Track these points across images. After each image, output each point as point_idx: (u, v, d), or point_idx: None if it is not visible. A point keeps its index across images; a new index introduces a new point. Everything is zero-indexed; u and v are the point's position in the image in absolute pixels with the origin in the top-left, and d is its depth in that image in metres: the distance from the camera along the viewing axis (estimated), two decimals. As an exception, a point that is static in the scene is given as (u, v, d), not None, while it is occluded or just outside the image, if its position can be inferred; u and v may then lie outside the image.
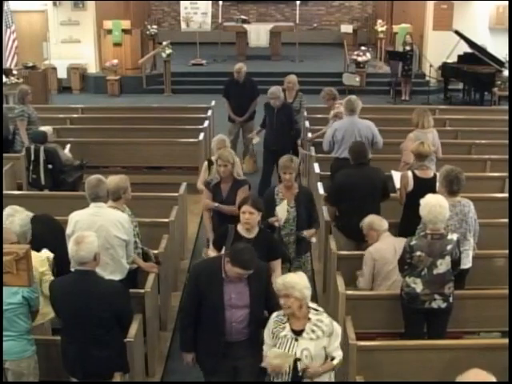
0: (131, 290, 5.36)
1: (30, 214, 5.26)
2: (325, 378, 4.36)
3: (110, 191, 5.59)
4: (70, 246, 4.55)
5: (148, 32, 18.77)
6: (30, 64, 15.43)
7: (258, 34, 19.20)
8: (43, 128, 8.81)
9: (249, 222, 5.19)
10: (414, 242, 5.27)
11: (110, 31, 16.82)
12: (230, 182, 6.32)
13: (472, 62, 15.20)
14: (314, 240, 6.27)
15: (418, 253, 5.21)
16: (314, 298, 6.29)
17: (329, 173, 7.94)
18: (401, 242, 5.54)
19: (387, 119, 10.61)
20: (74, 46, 17.18)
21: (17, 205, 5.27)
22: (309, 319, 4.29)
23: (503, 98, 14.67)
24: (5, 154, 8.86)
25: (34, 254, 3.98)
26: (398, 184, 6.93)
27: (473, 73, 15.05)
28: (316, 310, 4.35)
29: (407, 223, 6.20)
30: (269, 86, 9.07)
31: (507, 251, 6.20)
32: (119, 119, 11.04)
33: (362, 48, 17.17)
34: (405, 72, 15.54)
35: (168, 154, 9.68)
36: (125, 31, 16.82)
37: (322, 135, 8.96)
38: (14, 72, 14.79)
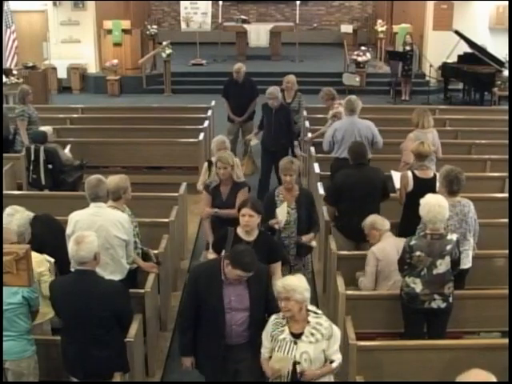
0: (131, 290, 5.35)
1: (31, 214, 5.27)
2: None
3: (109, 191, 5.59)
4: (70, 245, 4.55)
5: (148, 32, 18.76)
6: (30, 64, 15.43)
7: (258, 34, 19.18)
8: (43, 128, 8.81)
9: (248, 224, 5.17)
10: (413, 242, 5.26)
11: (110, 31, 16.82)
12: (229, 185, 6.30)
13: (472, 62, 15.19)
14: (314, 244, 6.21)
15: (418, 253, 5.21)
16: (314, 299, 6.31)
17: (329, 173, 7.93)
18: (402, 243, 5.52)
19: (387, 119, 10.60)
20: (73, 46, 17.17)
21: (17, 205, 5.28)
22: (308, 322, 4.26)
23: (503, 98, 14.67)
24: (5, 154, 8.86)
25: (32, 254, 3.96)
26: (397, 184, 6.92)
27: (473, 73, 15.04)
28: (315, 313, 4.32)
29: (407, 223, 6.19)
30: (269, 86, 9.06)
31: (507, 251, 6.20)
32: (119, 119, 11.03)
33: (362, 48, 17.17)
34: (405, 72, 15.54)
35: (168, 154, 9.68)
36: (125, 31, 16.82)
37: (321, 135, 8.97)
38: (14, 72, 14.79)
